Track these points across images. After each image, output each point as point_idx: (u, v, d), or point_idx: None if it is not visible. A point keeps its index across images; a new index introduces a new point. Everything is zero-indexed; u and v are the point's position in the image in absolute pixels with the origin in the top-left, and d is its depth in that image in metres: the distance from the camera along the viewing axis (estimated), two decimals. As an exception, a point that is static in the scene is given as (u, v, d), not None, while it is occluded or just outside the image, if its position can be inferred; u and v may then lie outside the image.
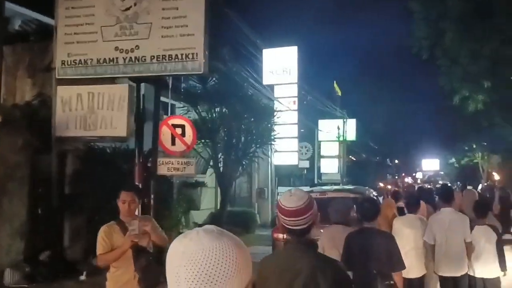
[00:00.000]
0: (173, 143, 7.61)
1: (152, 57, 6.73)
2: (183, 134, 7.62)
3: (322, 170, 30.36)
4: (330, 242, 4.18)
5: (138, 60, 6.83)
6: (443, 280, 5.33)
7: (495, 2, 16.75)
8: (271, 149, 16.14)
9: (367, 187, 16.21)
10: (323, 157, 30.34)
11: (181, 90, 13.76)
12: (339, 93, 39.03)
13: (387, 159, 61.66)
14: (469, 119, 27.91)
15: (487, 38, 17.32)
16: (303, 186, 18.88)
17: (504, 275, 5.23)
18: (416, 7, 20.77)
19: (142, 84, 7.94)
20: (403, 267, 3.82)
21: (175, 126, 7.65)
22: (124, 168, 8.36)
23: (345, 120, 30.72)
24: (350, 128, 31.96)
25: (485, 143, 35.23)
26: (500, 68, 17.91)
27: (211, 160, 13.59)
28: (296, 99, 18.89)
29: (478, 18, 17.75)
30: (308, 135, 29.77)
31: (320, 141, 30.20)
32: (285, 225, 2.21)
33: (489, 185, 20.80)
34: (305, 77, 21.33)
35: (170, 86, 11.55)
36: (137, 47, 6.83)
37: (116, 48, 6.99)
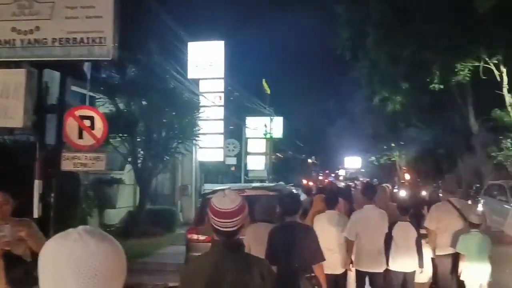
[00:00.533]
0: (80, 136, 6.93)
1: (54, 40, 6.01)
2: (92, 126, 6.96)
3: (249, 167, 30.34)
4: (256, 239, 4.14)
5: (38, 43, 6.09)
6: (360, 274, 5.38)
7: (414, 9, 17.46)
8: (195, 145, 15.68)
9: (290, 184, 16.31)
10: (250, 154, 30.32)
11: (98, 81, 12.92)
12: (268, 91, 39.25)
13: (312, 157, 63.30)
14: (388, 119, 29.29)
15: (406, 43, 18.01)
16: (223, 184, 18.64)
17: (421, 272, 5.40)
18: (341, 10, 21.33)
19: (56, 73, 7.19)
20: (323, 259, 3.90)
21: (82, 117, 6.96)
22: (27, 164, 7.53)
23: (272, 117, 30.91)
24: (277, 126, 32.29)
25: (402, 143, 37.18)
26: (417, 72, 18.74)
27: (130, 156, 12.91)
28: (222, 94, 18.52)
29: (398, 23, 18.44)
30: (235, 132, 29.66)
31: (247, 138, 30.17)
32: (215, 226, 2.19)
33: (402, 182, 21.80)
34: (233, 73, 21.11)
35: (88, 77, 10.73)
36: (37, 29, 6.07)
37: (13, 29, 6.17)
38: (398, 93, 20.79)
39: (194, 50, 18.66)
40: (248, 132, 29.56)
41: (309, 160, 60.48)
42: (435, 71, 18.01)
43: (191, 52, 18.65)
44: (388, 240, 5.35)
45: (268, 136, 29.67)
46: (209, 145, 17.91)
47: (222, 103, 18.40)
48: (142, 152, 12.79)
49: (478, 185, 18.03)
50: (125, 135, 12.40)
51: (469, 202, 18.01)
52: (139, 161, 12.75)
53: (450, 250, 5.45)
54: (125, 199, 14.16)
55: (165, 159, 13.08)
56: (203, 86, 18.33)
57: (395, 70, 19.12)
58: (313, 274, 3.80)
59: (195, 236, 6.30)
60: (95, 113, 7.10)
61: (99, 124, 7.01)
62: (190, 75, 18.11)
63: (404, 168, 40.21)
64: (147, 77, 12.49)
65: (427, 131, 27.39)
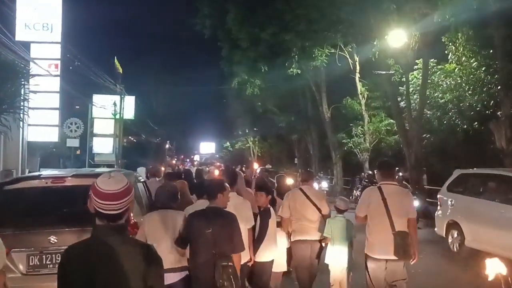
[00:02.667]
0: None
1: None
2: None
3: (95, 150, 27.46)
4: (156, 227, 3.88)
5: None
6: None
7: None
8: (21, 121, 12.79)
9: (140, 169, 14.38)
10: (96, 135, 27.39)
11: None
12: (120, 70, 36.17)
13: (168, 141, 61.31)
14: (246, 104, 28.99)
15: (267, 24, 17.49)
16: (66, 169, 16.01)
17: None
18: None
19: None
20: (243, 248, 3.83)
21: None
22: None
23: (123, 96, 28.12)
24: (129, 106, 29.57)
25: (256, 129, 37.60)
26: (277, 54, 18.38)
27: None
28: (58, 62, 15.57)
29: (260, 3, 17.84)
30: (82, 112, 26.64)
31: (94, 118, 27.24)
32: (98, 209, 2.06)
33: (265, 168, 21.49)
34: (78, 43, 18.19)
35: None
36: None
37: None
38: (257, 75, 20.29)
39: (24, 7, 15.40)
40: (95, 111, 26.59)
41: (164, 144, 58.37)
42: (294, 55, 17.81)
43: (20, 9, 15.36)
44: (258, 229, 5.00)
45: (117, 116, 26.86)
46: (41, 122, 15.00)
47: (58, 73, 15.50)
48: None
49: (363, 173, 18.19)
50: None
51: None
52: None
53: (303, 237, 5.47)
54: None
55: (-27, 136, 10.18)
56: (34, 51, 15.22)
57: (256, 51, 18.50)
58: (230, 263, 3.64)
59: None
60: None
61: None
62: (18, 37, 14.99)
63: (259, 154, 40.88)
64: None
65: (283, 117, 27.71)
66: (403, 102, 16.03)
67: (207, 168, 18.29)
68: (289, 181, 7.01)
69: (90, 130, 27.30)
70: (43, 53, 15.32)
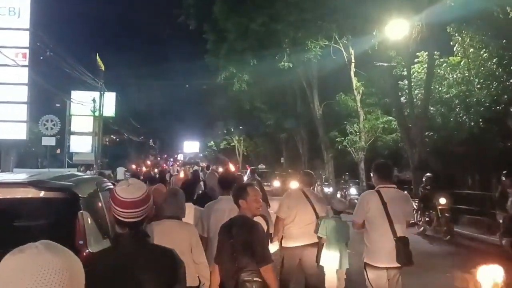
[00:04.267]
0: None
1: None
2: None
3: (73, 149, 26.15)
4: (164, 240, 2.94)
5: None
6: None
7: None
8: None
9: (119, 169, 12.99)
10: (74, 133, 26.04)
11: None
12: (102, 67, 34.69)
13: (151, 140, 59.96)
14: (232, 100, 27.79)
15: (257, 13, 16.30)
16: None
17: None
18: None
19: None
20: (269, 261, 3.46)
21: None
22: None
23: (103, 92, 26.63)
24: (109, 103, 28.14)
25: (242, 127, 36.42)
26: (267, 46, 17.21)
27: None
28: (26, 51, 14.17)
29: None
30: (59, 108, 25.26)
31: (72, 115, 25.91)
32: (118, 217, 2.07)
33: (257, 168, 20.20)
34: (53, 33, 16.75)
35: None
36: None
37: None
38: (245, 70, 19.06)
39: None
40: (73, 108, 25.29)
41: (148, 143, 56.93)
42: (285, 47, 16.62)
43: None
44: None
45: (97, 113, 25.39)
46: (6, 118, 13.56)
47: (27, 63, 14.06)
48: None
49: (347, 173, 16.97)
50: None
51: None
52: None
53: (294, 243, 5.27)
54: None
55: None
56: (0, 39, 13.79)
57: (244, 43, 17.27)
58: (256, 279, 3.33)
59: None
60: None
61: None
62: (-19, 22, 13.50)
63: (245, 153, 39.82)
64: None
65: (270, 114, 26.60)
66: (404, 97, 14.93)
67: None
68: (293, 184, 6.14)
69: (68, 128, 26.03)
70: (8, 41, 13.93)
